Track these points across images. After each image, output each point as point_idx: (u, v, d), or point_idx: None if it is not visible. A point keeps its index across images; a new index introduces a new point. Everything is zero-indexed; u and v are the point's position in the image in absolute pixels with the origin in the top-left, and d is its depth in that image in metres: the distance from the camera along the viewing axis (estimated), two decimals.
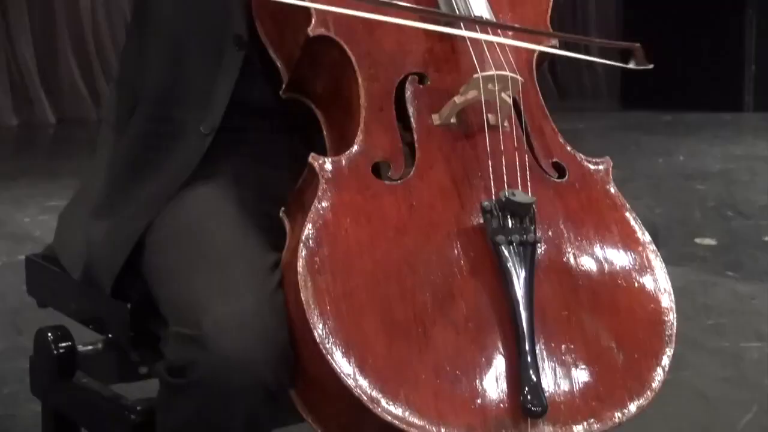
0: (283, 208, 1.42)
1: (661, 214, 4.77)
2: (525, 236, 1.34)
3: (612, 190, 1.50)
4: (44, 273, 1.84)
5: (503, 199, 1.35)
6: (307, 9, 1.41)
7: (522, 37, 1.53)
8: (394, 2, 1.41)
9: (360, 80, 1.42)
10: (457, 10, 1.47)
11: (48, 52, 7.35)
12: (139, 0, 1.70)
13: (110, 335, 1.72)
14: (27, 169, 5.61)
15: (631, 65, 1.48)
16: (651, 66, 1.46)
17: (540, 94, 1.54)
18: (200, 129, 1.56)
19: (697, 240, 4.37)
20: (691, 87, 8.08)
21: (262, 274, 1.37)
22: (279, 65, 1.51)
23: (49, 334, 1.76)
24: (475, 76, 1.41)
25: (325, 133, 1.49)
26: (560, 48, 1.56)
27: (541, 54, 1.55)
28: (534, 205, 1.36)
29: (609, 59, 1.58)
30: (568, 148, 1.52)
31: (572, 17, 9.30)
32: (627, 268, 1.43)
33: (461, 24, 1.46)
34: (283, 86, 1.50)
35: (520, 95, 1.47)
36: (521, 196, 1.36)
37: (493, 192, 1.38)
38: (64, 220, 1.77)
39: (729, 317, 3.43)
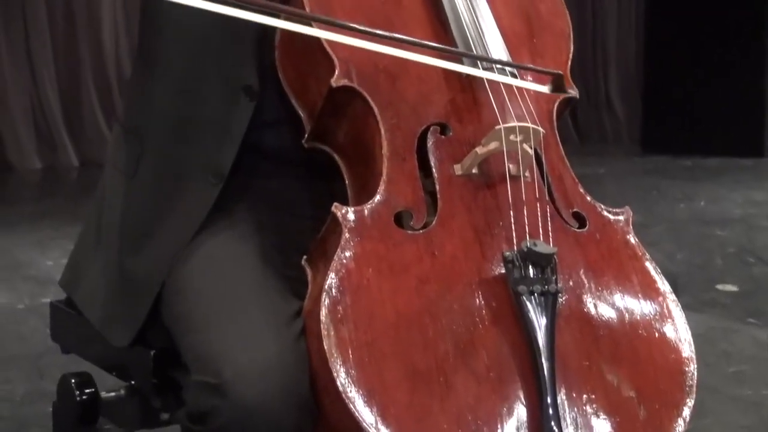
0: (305, 257, 1.43)
1: (682, 260, 4.75)
2: (546, 286, 1.35)
3: (632, 240, 1.51)
4: (68, 319, 1.85)
5: (525, 249, 1.36)
6: (330, 59, 1.43)
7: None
8: (415, 39, 1.43)
9: (382, 130, 1.44)
10: (477, 63, 1.49)
11: (72, 95, 7.40)
12: (147, 41, 1.69)
13: (133, 382, 1.73)
14: (50, 212, 5.63)
15: (545, 89, 1.52)
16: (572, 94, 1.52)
17: (560, 145, 1.55)
18: (209, 178, 1.57)
19: (718, 286, 4.35)
20: (712, 132, 8.06)
21: (284, 323, 1.38)
22: (301, 114, 1.52)
23: (73, 381, 1.77)
24: (497, 127, 1.42)
25: (346, 181, 1.50)
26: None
27: (563, 102, 1.57)
28: (555, 256, 1.37)
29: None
30: (588, 198, 1.53)
31: (592, 60, 9.31)
32: (647, 318, 1.43)
33: (480, 65, 1.48)
34: (306, 135, 1.52)
35: (542, 146, 1.49)
36: (543, 247, 1.37)
37: (514, 242, 1.39)
38: (78, 265, 1.77)
39: (750, 364, 3.41)
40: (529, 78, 1.54)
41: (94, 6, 7.38)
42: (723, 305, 4.10)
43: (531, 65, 1.56)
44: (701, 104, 8.09)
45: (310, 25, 1.42)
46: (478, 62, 1.49)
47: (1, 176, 6.89)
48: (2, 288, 4.12)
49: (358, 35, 1.39)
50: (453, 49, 1.49)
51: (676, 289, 1.48)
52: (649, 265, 1.48)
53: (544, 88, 1.53)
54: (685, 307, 1.47)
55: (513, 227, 1.40)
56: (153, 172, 1.63)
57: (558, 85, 1.52)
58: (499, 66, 1.50)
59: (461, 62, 1.49)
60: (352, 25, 1.39)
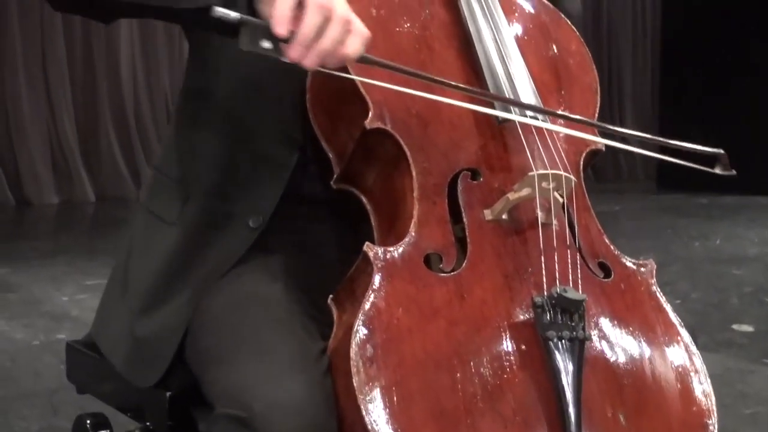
0: (331, 296, 1.43)
1: (698, 299, 4.74)
2: (575, 333, 1.35)
3: (656, 291, 1.52)
4: (84, 360, 1.85)
5: (555, 294, 1.36)
6: (364, 102, 1.44)
7: (574, 130, 1.56)
8: (447, 81, 1.44)
9: (414, 173, 1.44)
10: (511, 108, 1.50)
11: (90, 130, 7.46)
12: (198, 93, 1.70)
13: (148, 423, 1.73)
14: (66, 247, 5.66)
15: (717, 170, 1.51)
16: (734, 173, 1.49)
17: (586, 195, 1.56)
18: (249, 223, 1.58)
19: (734, 326, 4.33)
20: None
21: (312, 360, 1.39)
22: (330, 156, 1.53)
23: (88, 421, 1.77)
24: (531, 174, 1.43)
25: (373, 223, 1.50)
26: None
27: (590, 154, 1.58)
28: (584, 303, 1.38)
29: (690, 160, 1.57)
30: (613, 249, 1.54)
31: (608, 98, 9.34)
32: (670, 369, 1.44)
33: (513, 111, 1.49)
34: (335, 177, 1.52)
35: (572, 195, 1.50)
36: (573, 293, 1.37)
37: (544, 288, 1.40)
38: (106, 310, 1.76)
39: (767, 406, 3.39)
40: (560, 123, 1.55)
41: (112, 43, 7.45)
42: (739, 345, 4.08)
43: (579, 116, 1.57)
44: (717, 142, 8.07)
45: (345, 68, 1.43)
46: (514, 108, 1.51)
47: (19, 211, 6.95)
48: (18, 324, 4.13)
49: (394, 78, 1.41)
50: (490, 93, 1.49)
51: (695, 340, 1.49)
52: (673, 318, 1.49)
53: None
54: (701, 348, 1.47)
55: (543, 273, 1.41)
56: (194, 218, 1.63)
57: (718, 163, 1.53)
58: (533, 112, 1.52)
59: (493, 107, 1.50)
60: (391, 63, 1.40)
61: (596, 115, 1.63)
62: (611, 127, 1.50)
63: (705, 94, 8.35)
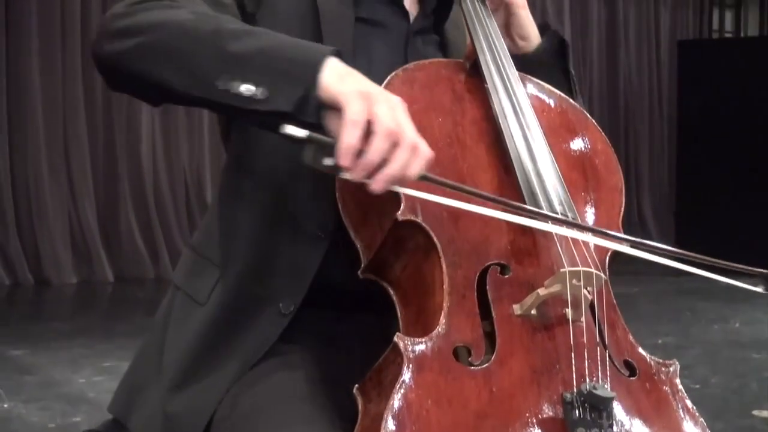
0: (357, 386, 1.43)
1: (717, 384, 4.70)
2: (603, 430, 1.35)
3: (679, 392, 1.52)
4: None
5: (584, 391, 1.37)
6: (396, 194, 1.44)
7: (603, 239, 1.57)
8: (483, 192, 1.46)
9: (444, 266, 1.45)
10: (542, 204, 1.52)
11: (109, 210, 7.50)
12: (239, 167, 1.71)
13: None
14: (84, 329, 5.65)
15: (760, 289, 1.53)
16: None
17: (612, 293, 1.57)
18: (280, 308, 1.59)
19: (755, 412, 4.29)
20: (746, 252, 8.04)
21: None
22: (359, 246, 1.54)
23: None
24: (562, 270, 1.44)
25: (399, 314, 1.51)
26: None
27: (615, 252, 1.59)
28: (614, 400, 1.38)
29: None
30: (639, 348, 1.55)
31: (626, 181, 9.36)
32: None
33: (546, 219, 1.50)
34: (362, 267, 1.53)
35: (602, 292, 1.51)
36: (603, 390, 1.37)
37: (573, 384, 1.40)
38: (136, 388, 1.75)
39: None
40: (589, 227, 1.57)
41: (132, 123, 7.53)
42: None
43: (609, 230, 1.57)
44: (734, 225, 8.08)
45: None
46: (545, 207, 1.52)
47: (38, 290, 6.96)
48: (34, 407, 4.11)
49: (429, 186, 1.41)
50: (521, 205, 1.49)
51: None
52: (697, 419, 1.49)
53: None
54: None
55: (572, 369, 1.41)
56: (225, 302, 1.64)
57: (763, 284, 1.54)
58: (563, 214, 1.53)
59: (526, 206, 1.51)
60: (447, 181, 1.42)
61: (621, 214, 1.65)
62: (651, 243, 1.50)
63: (722, 176, 8.36)
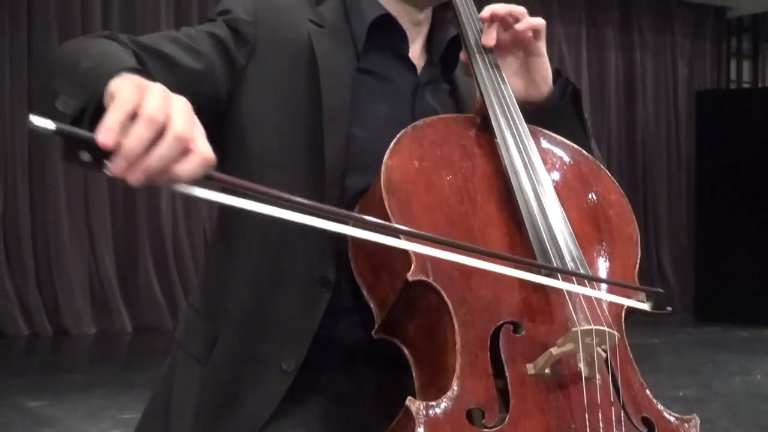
0: None
1: None
2: None
3: None
4: None
5: None
6: (407, 254, 1.44)
7: (611, 291, 1.56)
8: (494, 251, 1.45)
9: (456, 325, 1.44)
10: (553, 261, 1.50)
11: (129, 261, 7.52)
12: (228, 222, 1.70)
13: None
14: (102, 380, 5.64)
15: (646, 307, 1.53)
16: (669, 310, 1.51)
17: (628, 349, 1.55)
18: (282, 366, 1.57)
19: None
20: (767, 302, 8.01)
21: None
22: (372, 306, 1.53)
23: None
24: (574, 329, 1.43)
25: (414, 374, 1.50)
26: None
27: (629, 309, 1.58)
28: None
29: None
30: (657, 404, 1.53)
31: (644, 231, 9.33)
32: None
33: (558, 275, 1.50)
34: (376, 327, 1.52)
35: (615, 349, 1.50)
36: None
37: None
38: None
39: None
40: (604, 287, 1.56)
41: None
42: None
43: (630, 283, 1.58)
44: (756, 274, 8.04)
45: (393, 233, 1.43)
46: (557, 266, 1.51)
47: (56, 341, 6.96)
48: None
49: (437, 244, 1.41)
50: (533, 261, 1.49)
51: None
52: None
53: (645, 306, 1.54)
54: None
55: (587, 429, 1.40)
56: (225, 360, 1.62)
57: (659, 303, 1.53)
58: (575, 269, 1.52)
59: (539, 267, 1.51)
60: (430, 235, 1.41)
61: (637, 265, 1.63)
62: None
63: (742, 224, 8.33)
